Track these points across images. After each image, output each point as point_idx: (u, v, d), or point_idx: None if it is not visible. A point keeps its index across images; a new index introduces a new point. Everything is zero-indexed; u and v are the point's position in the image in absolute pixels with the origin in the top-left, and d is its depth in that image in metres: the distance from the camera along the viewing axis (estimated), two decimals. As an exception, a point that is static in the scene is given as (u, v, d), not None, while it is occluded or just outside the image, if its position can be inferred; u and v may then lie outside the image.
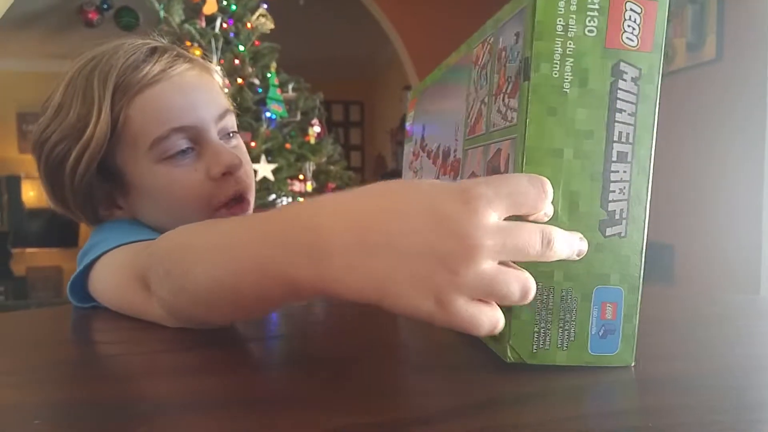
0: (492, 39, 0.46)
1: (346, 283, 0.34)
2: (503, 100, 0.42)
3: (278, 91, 3.13)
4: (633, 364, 0.41)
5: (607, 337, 0.40)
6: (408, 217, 0.33)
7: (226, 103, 0.77)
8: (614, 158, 0.39)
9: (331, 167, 3.38)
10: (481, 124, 0.46)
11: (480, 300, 0.34)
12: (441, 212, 0.33)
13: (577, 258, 0.37)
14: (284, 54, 3.29)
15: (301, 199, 2.73)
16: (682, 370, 0.43)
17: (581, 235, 0.37)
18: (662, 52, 0.39)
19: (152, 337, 0.51)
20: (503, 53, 0.43)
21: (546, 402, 0.36)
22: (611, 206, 0.39)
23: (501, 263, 0.34)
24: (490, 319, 0.33)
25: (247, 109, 2.95)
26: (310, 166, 3.22)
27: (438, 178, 0.58)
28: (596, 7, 0.38)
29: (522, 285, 0.33)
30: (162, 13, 2.95)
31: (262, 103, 3.07)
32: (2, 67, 5.79)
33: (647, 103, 0.39)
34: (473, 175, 0.48)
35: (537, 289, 0.37)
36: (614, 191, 0.39)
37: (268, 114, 3.06)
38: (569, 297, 0.39)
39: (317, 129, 3.35)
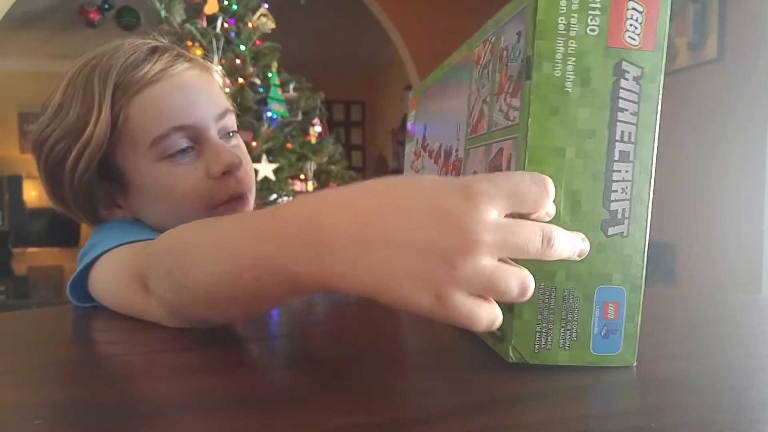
0: (493, 38, 0.46)
1: (347, 278, 0.34)
2: (505, 99, 0.42)
3: (279, 90, 3.14)
4: (635, 364, 0.41)
5: (609, 337, 0.40)
6: (409, 213, 0.34)
7: (226, 102, 0.77)
8: (616, 158, 0.39)
9: (332, 167, 3.38)
10: (482, 124, 0.46)
11: (479, 297, 0.33)
12: (442, 208, 0.33)
13: (579, 258, 0.37)
14: (285, 54, 3.29)
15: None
16: (683, 369, 0.43)
17: (583, 236, 0.37)
18: (664, 51, 0.39)
19: (152, 337, 0.51)
20: (505, 52, 0.43)
21: (547, 402, 0.36)
22: (613, 206, 0.39)
23: (501, 261, 0.34)
24: (489, 314, 0.33)
25: (249, 108, 2.95)
26: (311, 166, 3.22)
27: None
28: (598, 6, 0.38)
29: (521, 282, 0.33)
30: (163, 13, 2.95)
31: (263, 102, 3.07)
32: (3, 67, 5.80)
33: (649, 103, 0.39)
34: (475, 174, 0.48)
35: (539, 288, 0.37)
36: (616, 191, 0.39)
37: (269, 113, 3.06)
38: (571, 297, 0.39)
39: (318, 129, 3.35)
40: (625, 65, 0.39)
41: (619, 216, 0.39)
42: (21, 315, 0.75)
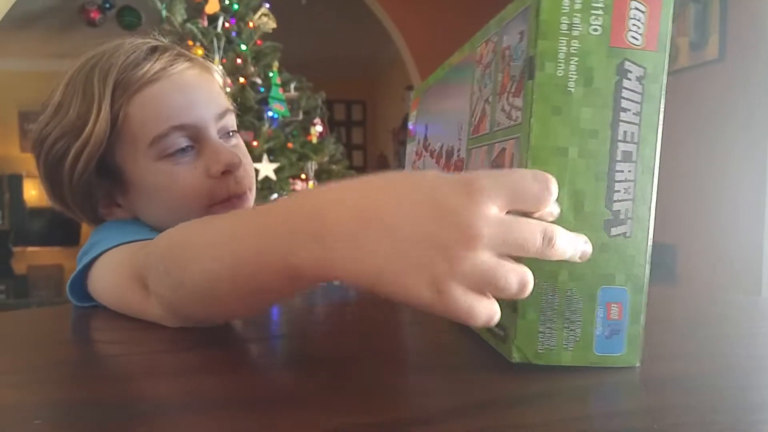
0: (496, 38, 0.46)
1: (348, 269, 0.35)
2: (507, 99, 0.42)
3: (280, 90, 3.13)
4: (638, 365, 0.41)
5: (613, 337, 0.40)
6: (410, 207, 0.34)
7: (226, 102, 0.77)
8: (619, 158, 0.39)
9: (333, 167, 3.37)
10: (485, 124, 0.46)
11: (479, 293, 0.33)
12: (443, 203, 0.33)
13: (580, 260, 0.37)
14: (286, 53, 3.29)
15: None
16: (683, 370, 0.42)
17: (586, 238, 0.37)
18: (667, 51, 0.39)
19: (152, 337, 0.51)
20: (507, 52, 0.43)
21: (548, 402, 0.36)
22: (616, 206, 0.39)
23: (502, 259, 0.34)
24: (488, 310, 0.33)
25: (250, 108, 2.95)
26: (312, 166, 3.22)
27: None
28: (600, 5, 0.38)
29: (520, 278, 0.33)
30: (164, 13, 2.96)
31: (264, 102, 3.07)
32: (4, 67, 5.79)
33: (652, 103, 0.39)
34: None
35: (542, 289, 0.37)
36: (619, 191, 0.39)
37: (270, 113, 3.06)
38: (574, 297, 0.39)
39: (319, 128, 3.35)
40: (627, 65, 0.39)
41: (622, 216, 0.39)
42: (21, 314, 0.75)
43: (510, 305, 0.39)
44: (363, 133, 7.61)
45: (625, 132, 0.39)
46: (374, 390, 0.38)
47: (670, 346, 0.50)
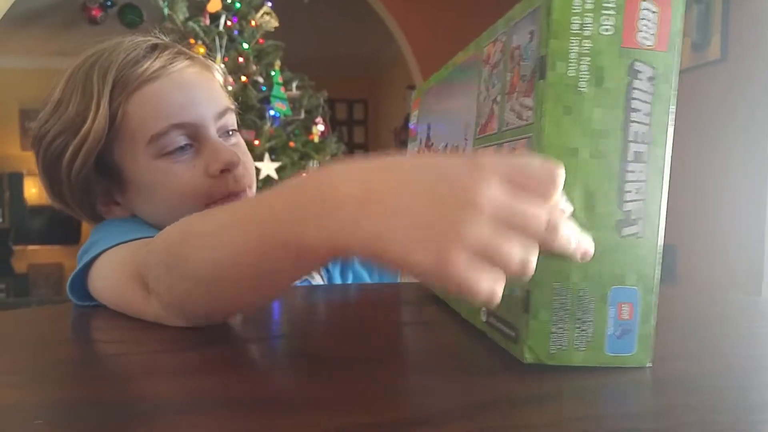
0: (504, 38, 0.45)
1: (350, 236, 0.34)
2: (517, 98, 0.42)
3: (282, 89, 3.14)
4: (649, 365, 0.41)
5: (624, 337, 0.40)
6: (416, 179, 0.34)
7: (226, 101, 0.77)
8: (630, 158, 0.39)
9: (335, 166, 3.37)
10: (493, 123, 0.46)
11: (482, 266, 0.33)
12: (448, 175, 0.33)
13: (581, 259, 0.37)
14: (288, 52, 3.29)
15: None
16: (683, 370, 0.42)
17: (591, 239, 0.37)
18: (678, 52, 0.39)
19: (152, 337, 0.50)
20: (516, 52, 0.43)
21: (548, 403, 0.35)
22: (627, 206, 0.39)
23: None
24: (490, 284, 0.32)
25: (251, 107, 2.95)
26: (314, 165, 3.22)
27: None
28: (612, 6, 0.38)
29: (522, 253, 0.33)
30: (166, 11, 2.96)
31: (265, 101, 3.07)
32: (5, 65, 5.80)
33: (663, 103, 0.39)
34: None
35: (554, 289, 0.36)
36: (630, 191, 0.39)
37: (271, 112, 3.06)
38: (586, 297, 0.39)
39: (321, 127, 3.35)
40: (638, 65, 0.38)
41: (633, 216, 0.39)
42: (21, 314, 0.74)
43: (522, 306, 0.39)
44: (365, 132, 7.61)
45: (636, 132, 0.39)
46: (374, 390, 0.38)
47: (670, 346, 0.49)
